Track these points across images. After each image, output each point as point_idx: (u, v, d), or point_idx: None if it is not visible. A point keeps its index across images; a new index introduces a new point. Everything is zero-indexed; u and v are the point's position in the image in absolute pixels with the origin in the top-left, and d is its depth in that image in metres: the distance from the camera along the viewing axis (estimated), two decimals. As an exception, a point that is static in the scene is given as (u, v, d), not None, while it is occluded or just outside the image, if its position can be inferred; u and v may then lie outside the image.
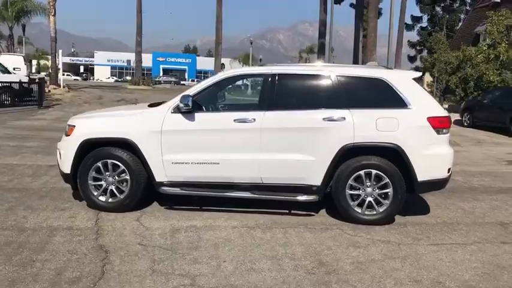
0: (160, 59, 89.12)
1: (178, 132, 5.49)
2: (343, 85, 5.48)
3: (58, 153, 5.94)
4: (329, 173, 5.37)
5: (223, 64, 49.87)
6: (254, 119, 5.40)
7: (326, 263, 4.27)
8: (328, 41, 32.25)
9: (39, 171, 7.71)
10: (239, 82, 9.08)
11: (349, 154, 5.34)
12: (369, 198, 5.38)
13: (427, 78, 37.18)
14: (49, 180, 7.11)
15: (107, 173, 5.62)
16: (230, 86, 6.17)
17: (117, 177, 5.62)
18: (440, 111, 5.45)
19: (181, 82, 77.84)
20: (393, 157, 5.32)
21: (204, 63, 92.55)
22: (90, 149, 5.63)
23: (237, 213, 5.68)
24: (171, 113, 5.52)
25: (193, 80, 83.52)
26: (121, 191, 5.63)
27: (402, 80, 5.50)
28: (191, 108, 5.37)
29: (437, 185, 5.49)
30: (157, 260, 4.23)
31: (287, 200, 5.53)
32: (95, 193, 5.66)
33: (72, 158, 5.63)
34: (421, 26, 53.74)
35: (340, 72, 5.55)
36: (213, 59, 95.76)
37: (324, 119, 5.35)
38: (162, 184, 5.59)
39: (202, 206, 5.88)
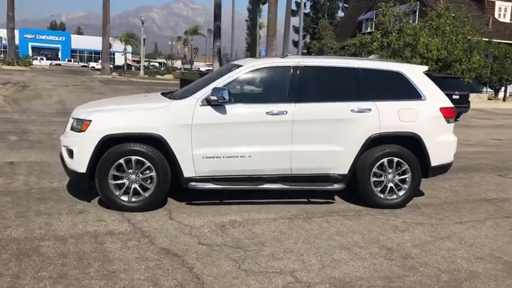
0: (29, 36, 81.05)
1: (210, 126, 5.31)
2: (366, 78, 5.75)
3: (65, 151, 5.35)
4: (356, 161, 5.63)
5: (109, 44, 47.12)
6: (286, 112, 5.43)
7: (392, 248, 4.55)
8: (233, 27, 32.24)
9: (2, 170, 6.82)
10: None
11: (374, 143, 5.65)
12: (390, 184, 5.77)
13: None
14: (28, 180, 6.35)
15: (129, 171, 5.23)
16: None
17: (141, 175, 5.26)
18: (448, 102, 6.00)
19: (57, 62, 72.23)
20: (411, 145, 5.75)
21: (80, 42, 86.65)
22: (109, 146, 5.19)
23: (263, 205, 5.69)
24: (200, 105, 5.31)
25: (69, 60, 77.80)
26: (144, 189, 5.29)
27: (415, 73, 5.93)
28: (227, 101, 5.22)
29: (444, 169, 6.07)
30: (238, 259, 4.13)
31: (317, 190, 5.71)
32: (116, 193, 5.24)
33: (90, 156, 5.14)
34: (304, 12, 56.27)
35: (363, 65, 5.80)
36: (88, 37, 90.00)
37: (352, 110, 5.58)
38: (190, 180, 5.37)
39: (222, 200, 5.78)
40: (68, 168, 5.35)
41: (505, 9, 36.89)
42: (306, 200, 5.96)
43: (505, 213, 5.91)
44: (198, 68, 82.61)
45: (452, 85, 18.26)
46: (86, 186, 5.41)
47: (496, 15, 36.14)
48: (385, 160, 5.69)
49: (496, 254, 4.52)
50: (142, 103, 5.70)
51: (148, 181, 5.30)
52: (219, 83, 5.43)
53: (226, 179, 5.46)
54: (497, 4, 36.51)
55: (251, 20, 39.56)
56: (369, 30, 39.67)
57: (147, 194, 5.29)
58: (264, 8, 44.79)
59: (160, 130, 5.20)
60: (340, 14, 53.94)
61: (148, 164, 5.23)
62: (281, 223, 5.13)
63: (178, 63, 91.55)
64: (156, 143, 5.24)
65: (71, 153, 5.27)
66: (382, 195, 5.77)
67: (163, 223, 4.97)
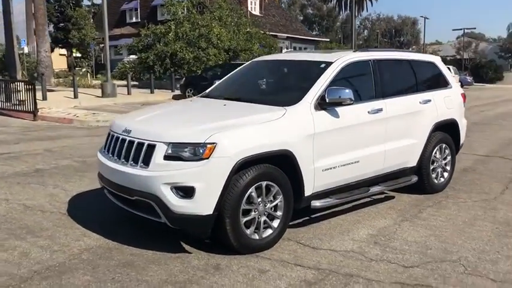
0: None
1: (328, 133, 4.57)
2: (417, 69, 5.87)
3: (171, 191, 3.78)
4: (423, 152, 5.72)
5: None
6: (382, 109, 5.11)
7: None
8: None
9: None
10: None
11: (433, 132, 5.83)
12: (439, 169, 6.08)
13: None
14: (42, 245, 4.23)
15: (258, 200, 4.10)
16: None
17: (268, 203, 4.18)
18: (461, 88, 6.61)
19: None
20: (449, 130, 6.14)
21: None
22: (235, 172, 3.94)
23: (347, 214, 5.24)
24: (315, 110, 4.52)
25: None
26: (271, 220, 4.24)
27: (440, 62, 6.33)
28: (353, 102, 4.58)
29: (460, 148, 6.68)
30: (468, 272, 3.81)
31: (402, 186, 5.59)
32: (247, 232, 4.04)
33: (221, 191, 3.81)
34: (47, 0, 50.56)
35: (411, 57, 5.90)
36: None
37: (420, 102, 5.63)
38: (310, 198, 4.55)
39: (310, 216, 5.09)
40: (176, 214, 3.80)
41: (255, 3, 41.11)
42: (371, 199, 5.74)
43: (502, 180, 6.86)
44: None
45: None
46: (208, 233, 3.96)
47: (250, 9, 39.92)
48: (437, 147, 5.95)
49: None
50: (253, 114, 4.33)
51: (273, 209, 4.25)
52: (323, 82, 4.68)
53: (336, 190, 4.82)
54: (248, -2, 40.35)
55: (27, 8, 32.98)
56: (134, 20, 38.65)
57: (275, 225, 4.25)
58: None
59: (290, 145, 4.22)
60: (86, 2, 50.39)
61: (276, 188, 4.19)
62: (409, 225, 4.87)
63: None
64: (283, 161, 4.23)
65: (187, 192, 3.76)
66: (436, 181, 6.03)
67: (324, 256, 4.10)
